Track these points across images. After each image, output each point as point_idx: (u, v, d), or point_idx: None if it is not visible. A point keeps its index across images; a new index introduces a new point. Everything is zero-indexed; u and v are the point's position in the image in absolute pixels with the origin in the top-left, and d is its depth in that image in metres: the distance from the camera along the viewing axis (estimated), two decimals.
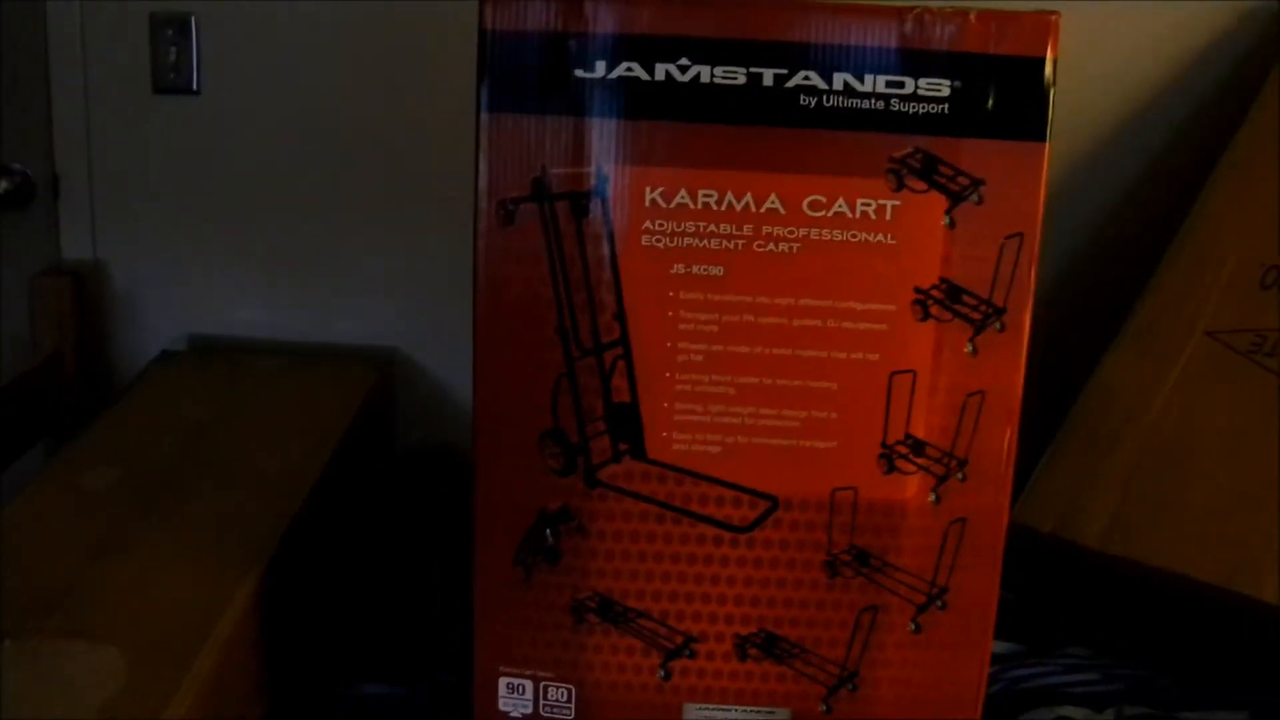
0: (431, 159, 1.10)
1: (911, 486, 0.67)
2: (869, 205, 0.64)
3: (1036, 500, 0.86)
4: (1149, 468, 0.85)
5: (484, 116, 0.64)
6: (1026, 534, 0.85)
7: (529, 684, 0.71)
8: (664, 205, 0.64)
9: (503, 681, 0.71)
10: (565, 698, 0.71)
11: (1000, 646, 0.85)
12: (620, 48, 0.63)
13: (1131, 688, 0.84)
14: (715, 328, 0.65)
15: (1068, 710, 0.82)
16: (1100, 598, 0.87)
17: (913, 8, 0.62)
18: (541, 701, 0.71)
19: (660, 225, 0.64)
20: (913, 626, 0.69)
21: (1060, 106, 0.63)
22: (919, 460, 0.66)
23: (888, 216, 0.64)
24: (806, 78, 0.62)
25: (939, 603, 0.69)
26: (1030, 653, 0.87)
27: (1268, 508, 0.80)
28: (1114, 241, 1.09)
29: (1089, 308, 0.98)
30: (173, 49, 1.09)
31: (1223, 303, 0.89)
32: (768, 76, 0.63)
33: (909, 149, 0.63)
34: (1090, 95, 1.06)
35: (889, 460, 0.66)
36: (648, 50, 0.63)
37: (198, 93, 1.11)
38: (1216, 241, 0.92)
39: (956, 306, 0.65)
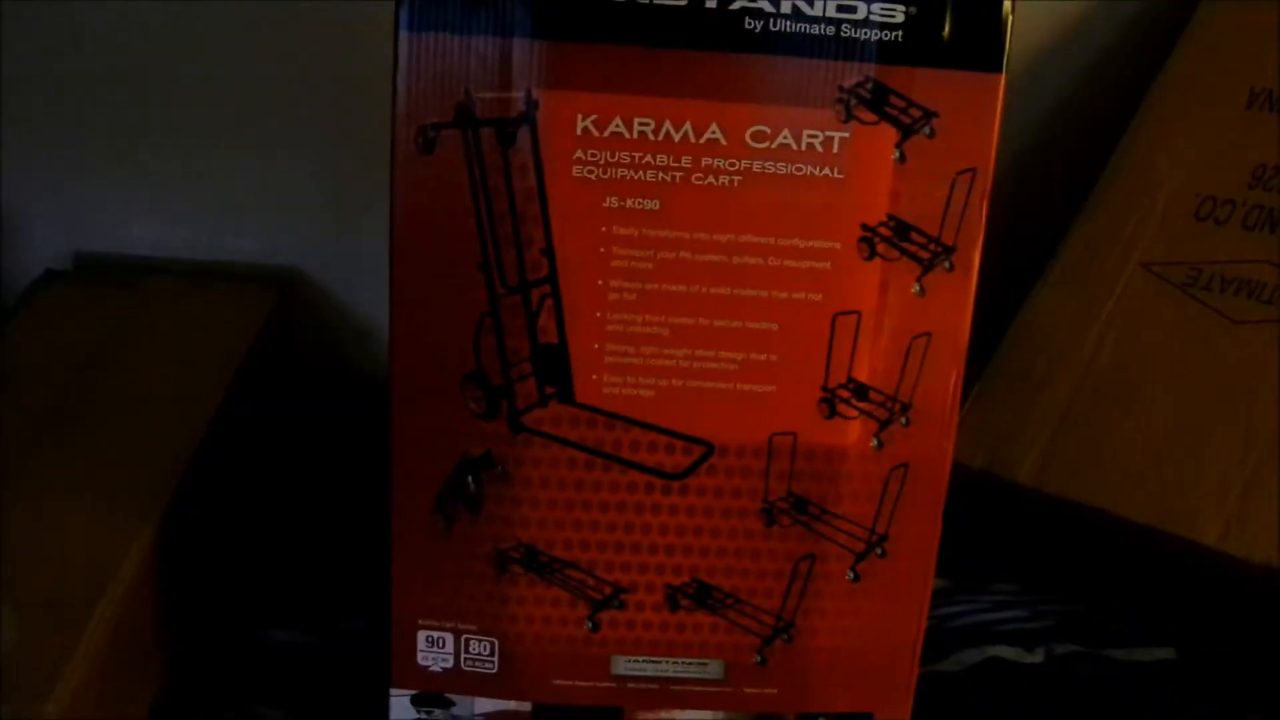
0: (340, 63, 1.04)
1: (853, 432, 0.64)
2: (815, 137, 0.60)
3: (966, 437, 0.83)
4: (1083, 404, 0.83)
5: (403, 36, 0.59)
6: (956, 469, 0.83)
7: (449, 637, 0.68)
8: (597, 134, 0.60)
9: (421, 635, 0.68)
10: (488, 651, 0.68)
11: None
12: None
13: (1060, 624, 0.83)
14: (650, 265, 0.61)
15: (999, 649, 0.81)
16: (1032, 535, 0.86)
17: None
18: (463, 655, 0.68)
19: (592, 155, 0.60)
20: (851, 575, 0.66)
21: None
22: (861, 405, 0.64)
23: (835, 149, 0.60)
24: None
25: (878, 550, 0.66)
26: (959, 589, 0.86)
27: (1206, 447, 0.78)
28: (1040, 172, 1.06)
29: (1015, 240, 0.95)
30: None
31: (1158, 234, 0.86)
32: None
33: (859, 78, 0.59)
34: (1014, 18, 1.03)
35: (830, 404, 0.63)
36: None
37: None
38: (1150, 171, 0.89)
39: (904, 245, 0.61)
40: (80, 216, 1.08)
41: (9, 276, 1.08)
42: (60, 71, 1.05)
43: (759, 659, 0.68)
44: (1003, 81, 0.60)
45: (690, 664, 0.68)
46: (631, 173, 0.60)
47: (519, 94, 0.60)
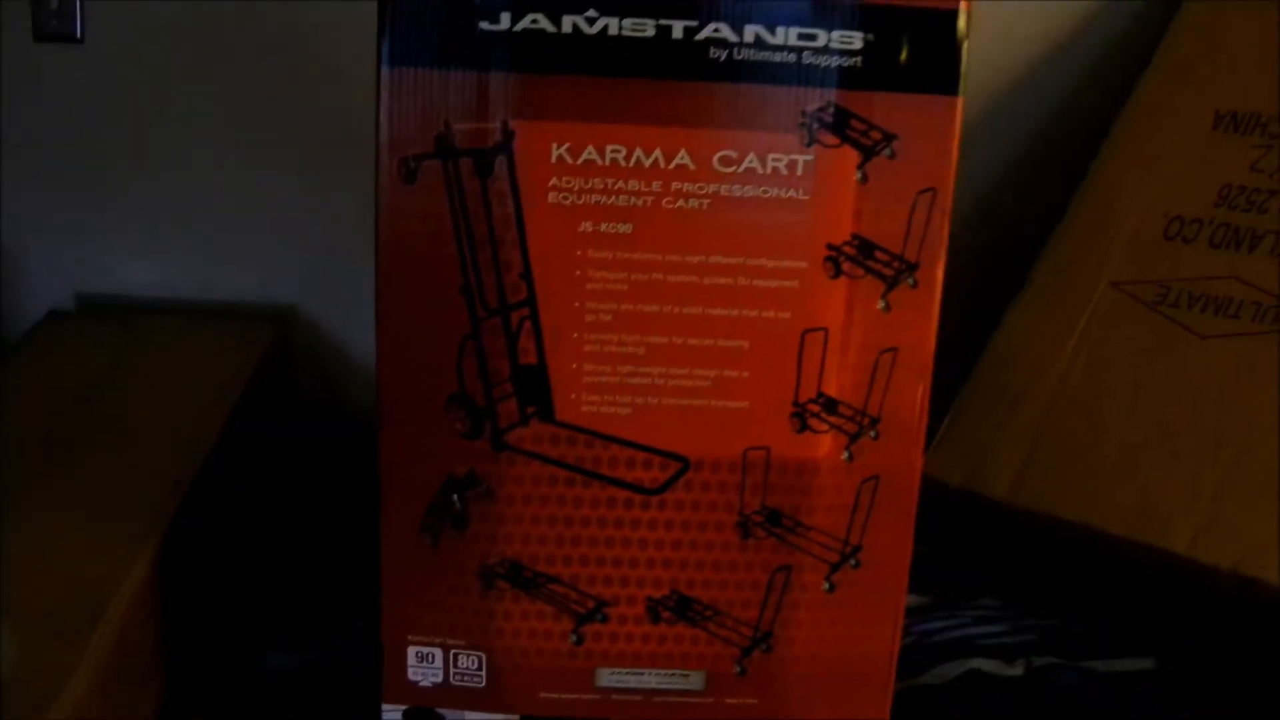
0: (333, 108, 1.07)
1: (824, 445, 0.66)
2: (780, 160, 0.62)
3: (944, 454, 0.86)
4: (1057, 420, 0.85)
5: (385, 71, 0.62)
6: (935, 487, 0.85)
7: (439, 652, 0.69)
8: (571, 161, 0.62)
9: (412, 651, 0.69)
10: (476, 665, 0.69)
11: (910, 600, 0.85)
12: None
13: (1041, 638, 0.84)
14: (624, 286, 0.64)
15: (978, 662, 0.82)
16: (1009, 549, 0.87)
17: None
18: (452, 670, 0.70)
19: (567, 182, 0.62)
20: (826, 586, 0.68)
21: None
22: (831, 418, 0.66)
23: (799, 171, 0.62)
24: (717, 30, 0.61)
25: (852, 561, 0.68)
26: (940, 605, 0.87)
27: (1176, 458, 0.80)
28: (1017, 195, 1.08)
29: (992, 261, 0.98)
30: None
31: (1127, 254, 0.89)
32: (677, 28, 0.61)
33: (821, 103, 0.62)
34: (990, 48, 1.06)
35: (801, 419, 0.66)
36: (554, 1, 0.61)
37: (81, 40, 1.06)
38: (1120, 193, 0.92)
39: (869, 263, 0.64)
40: (81, 258, 1.11)
41: (12, 318, 1.10)
42: (61, 119, 1.08)
43: (739, 669, 0.70)
44: (960, 104, 0.62)
45: (672, 675, 0.70)
46: (605, 198, 0.63)
47: (496, 124, 0.62)
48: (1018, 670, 0.82)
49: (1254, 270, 0.84)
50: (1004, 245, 0.98)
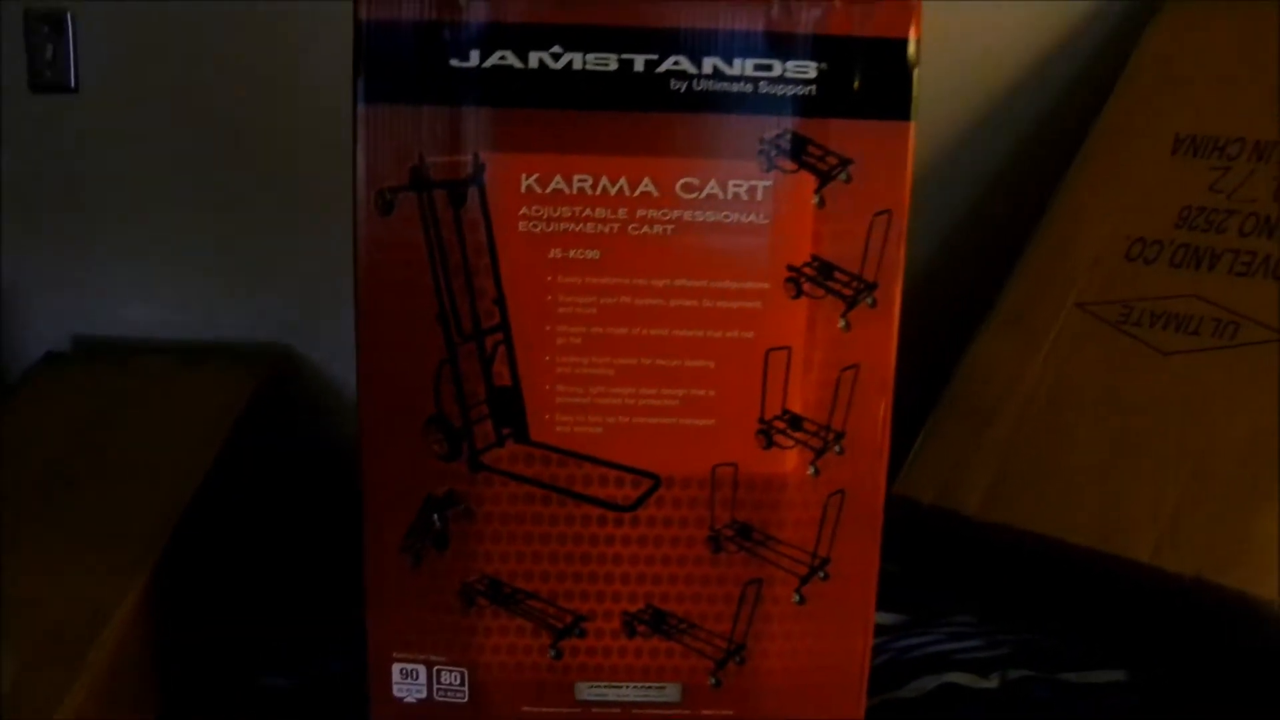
0: (321, 151, 1.09)
1: (790, 460, 0.68)
2: (740, 186, 0.65)
3: (917, 473, 0.88)
4: (1025, 437, 0.87)
5: (361, 108, 0.64)
6: (908, 506, 0.87)
7: (422, 669, 0.71)
8: (540, 191, 0.65)
9: (396, 668, 0.71)
10: (459, 681, 0.71)
11: (886, 618, 0.87)
12: (494, 37, 0.63)
13: (1014, 651, 0.86)
14: (593, 310, 0.66)
15: (954, 676, 0.83)
16: (981, 565, 0.89)
17: None
18: (435, 686, 0.72)
19: (537, 211, 0.65)
20: (796, 598, 0.70)
21: (929, 88, 0.65)
22: (797, 434, 0.68)
23: (759, 197, 0.65)
24: (676, 62, 0.64)
25: (821, 573, 0.70)
26: (916, 623, 0.89)
27: (1139, 470, 0.82)
28: (986, 220, 1.11)
29: (962, 286, 1.00)
30: (49, 46, 1.08)
31: (1091, 275, 0.91)
32: (639, 62, 0.64)
33: (778, 130, 0.64)
34: (958, 76, 1.08)
35: (767, 435, 0.68)
36: (521, 39, 0.63)
37: (76, 90, 1.09)
38: (1084, 216, 0.94)
39: (828, 283, 0.66)
40: (78, 301, 1.13)
41: (11, 359, 1.13)
42: (56, 166, 1.10)
43: (714, 681, 0.71)
44: (912, 128, 0.65)
45: (649, 688, 0.72)
46: (573, 225, 0.65)
47: (468, 157, 0.65)
48: (993, 683, 0.83)
49: (1213, 288, 0.87)
50: (978, 266, 1.00)
